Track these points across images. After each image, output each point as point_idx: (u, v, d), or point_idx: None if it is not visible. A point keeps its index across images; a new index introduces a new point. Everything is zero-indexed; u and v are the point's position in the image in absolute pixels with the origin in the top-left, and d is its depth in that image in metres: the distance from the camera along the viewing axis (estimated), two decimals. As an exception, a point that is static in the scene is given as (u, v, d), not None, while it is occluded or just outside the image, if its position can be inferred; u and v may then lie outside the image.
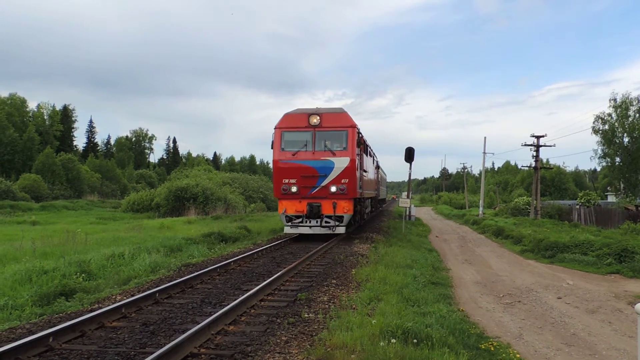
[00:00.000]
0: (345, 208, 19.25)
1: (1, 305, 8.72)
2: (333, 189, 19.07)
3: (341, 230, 19.51)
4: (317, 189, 19.18)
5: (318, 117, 19.49)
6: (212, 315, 7.73)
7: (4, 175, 66.12)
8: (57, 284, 9.78)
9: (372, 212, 35.55)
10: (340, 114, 20.15)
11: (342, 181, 19.06)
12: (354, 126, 19.75)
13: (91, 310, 8.43)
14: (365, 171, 23.41)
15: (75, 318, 7.70)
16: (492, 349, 7.98)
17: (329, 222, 19.31)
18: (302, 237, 20.52)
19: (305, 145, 19.42)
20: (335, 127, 19.62)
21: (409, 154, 27.67)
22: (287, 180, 19.31)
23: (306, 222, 19.45)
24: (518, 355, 7.89)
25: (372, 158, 29.57)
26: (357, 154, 19.85)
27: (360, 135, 20.98)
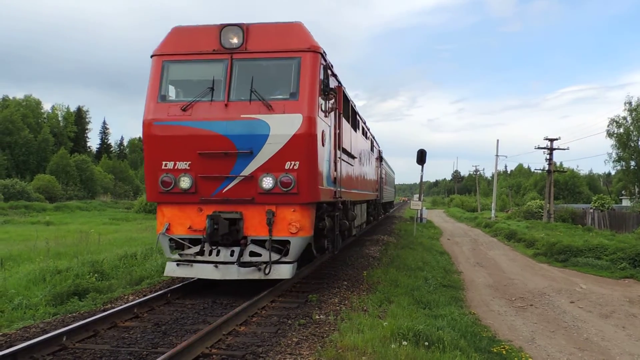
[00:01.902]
0: (294, 223, 9.12)
1: (16, 304, 8.83)
2: (267, 182, 9.00)
3: (285, 271, 9.20)
4: (234, 182, 9.14)
5: (240, 34, 9.45)
6: (223, 315, 7.76)
7: (18, 176, 66.90)
8: (70, 283, 9.87)
9: (370, 222, 25.10)
10: (286, 27, 9.66)
11: (289, 165, 9.00)
12: (315, 50, 9.44)
13: (104, 310, 8.50)
14: (350, 155, 13.49)
15: (88, 317, 7.77)
16: (504, 352, 7.94)
17: (259, 255, 9.22)
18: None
19: (211, 90, 9.30)
20: (275, 52, 9.44)
21: (421, 156, 27.53)
22: (169, 165, 9.28)
23: (210, 252, 9.29)
24: (530, 359, 7.84)
25: (370, 142, 20.50)
26: (325, 111, 9.85)
27: (339, 85, 11.36)
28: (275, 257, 9.12)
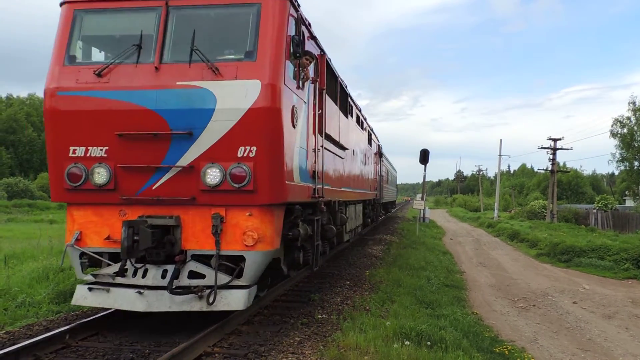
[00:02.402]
0: (251, 232, 6.78)
1: (19, 302, 8.84)
2: (213, 175, 6.69)
3: (237, 300, 6.72)
4: (167, 176, 6.85)
5: None
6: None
7: (22, 175, 67.14)
8: (73, 281, 9.89)
9: (368, 224, 22.43)
10: None
11: (243, 151, 6.67)
12: None
13: (107, 308, 8.51)
14: (339, 146, 11.30)
15: (92, 316, 7.78)
16: (507, 352, 7.93)
17: (202, 276, 6.83)
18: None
19: (137, 49, 6.97)
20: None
21: (424, 156, 27.57)
22: (79, 151, 7.01)
23: (134, 272, 6.93)
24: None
25: (367, 134, 18.30)
26: (298, 82, 7.61)
27: (321, 54, 9.33)
28: (224, 279, 6.67)
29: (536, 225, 33.97)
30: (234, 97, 6.61)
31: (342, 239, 13.75)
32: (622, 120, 47.72)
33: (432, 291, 11.32)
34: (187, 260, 6.82)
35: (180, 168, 6.71)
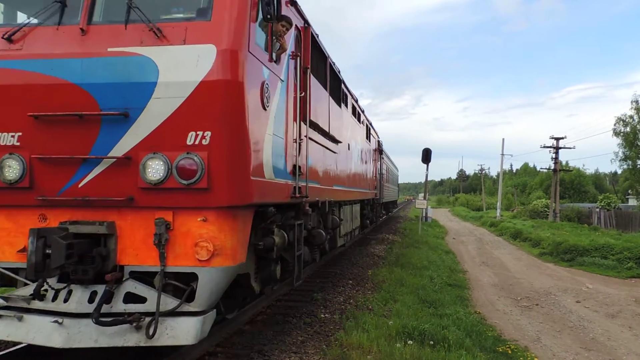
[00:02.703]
0: (205, 243, 5.20)
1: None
2: (155, 168, 5.16)
3: (186, 331, 5.05)
4: (97, 170, 5.29)
5: None
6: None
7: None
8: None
9: (367, 226, 20.86)
10: None
11: (193, 138, 5.14)
12: None
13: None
14: (330, 137, 10.00)
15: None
16: (510, 352, 7.92)
17: (143, 300, 5.19)
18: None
19: (60, 7, 5.42)
20: None
21: (426, 155, 27.54)
22: None
23: (55, 296, 5.24)
24: (536, 359, 7.82)
25: (365, 128, 17.09)
26: (271, 53, 6.17)
27: (305, 26, 8.05)
28: (170, 303, 5.10)
29: (539, 225, 33.94)
30: (181, 67, 5.14)
31: (336, 244, 12.27)
32: (625, 119, 47.53)
33: (435, 290, 11.31)
34: (124, 278, 5.23)
35: (114, 160, 5.21)
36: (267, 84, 5.90)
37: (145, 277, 5.27)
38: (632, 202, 61.33)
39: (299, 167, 7.26)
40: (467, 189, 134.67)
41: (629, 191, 66.20)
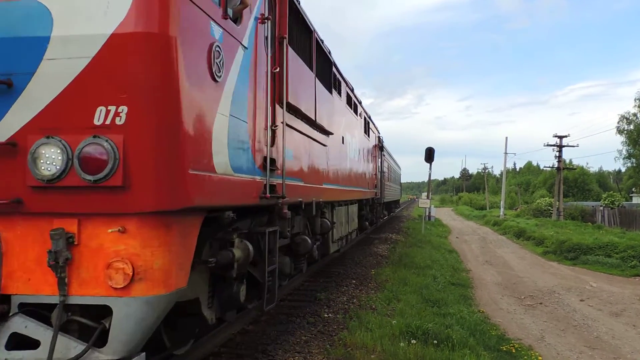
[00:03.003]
0: (120, 264, 3.68)
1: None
2: (50, 158, 3.64)
3: None
4: None
5: None
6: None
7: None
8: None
9: (366, 228, 19.50)
10: None
11: (104, 114, 3.64)
12: None
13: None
14: (318, 127, 8.61)
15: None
16: (514, 351, 7.91)
17: (36, 344, 3.68)
18: None
19: None
20: None
21: (429, 154, 27.53)
22: None
23: None
24: (540, 358, 7.82)
25: (363, 121, 15.65)
26: (223, 6, 4.39)
27: None
28: (73, 349, 3.70)
29: (542, 223, 33.89)
30: (84, 14, 3.73)
31: (328, 250, 11.00)
32: (628, 116, 47.50)
33: (438, 290, 11.31)
34: (11, 314, 3.79)
35: None
36: (218, 47, 4.45)
37: (41, 311, 3.84)
38: (636, 200, 61.17)
39: (273, 159, 5.90)
40: (470, 187, 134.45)
41: (633, 189, 66.05)
